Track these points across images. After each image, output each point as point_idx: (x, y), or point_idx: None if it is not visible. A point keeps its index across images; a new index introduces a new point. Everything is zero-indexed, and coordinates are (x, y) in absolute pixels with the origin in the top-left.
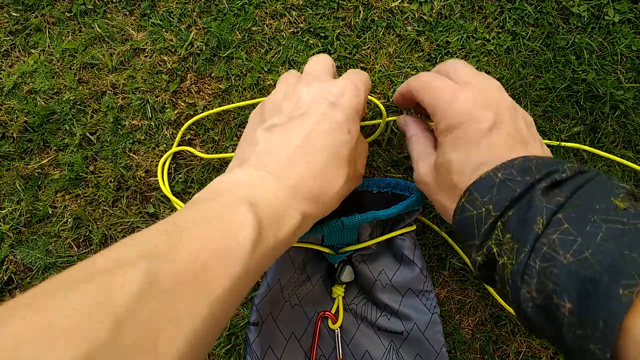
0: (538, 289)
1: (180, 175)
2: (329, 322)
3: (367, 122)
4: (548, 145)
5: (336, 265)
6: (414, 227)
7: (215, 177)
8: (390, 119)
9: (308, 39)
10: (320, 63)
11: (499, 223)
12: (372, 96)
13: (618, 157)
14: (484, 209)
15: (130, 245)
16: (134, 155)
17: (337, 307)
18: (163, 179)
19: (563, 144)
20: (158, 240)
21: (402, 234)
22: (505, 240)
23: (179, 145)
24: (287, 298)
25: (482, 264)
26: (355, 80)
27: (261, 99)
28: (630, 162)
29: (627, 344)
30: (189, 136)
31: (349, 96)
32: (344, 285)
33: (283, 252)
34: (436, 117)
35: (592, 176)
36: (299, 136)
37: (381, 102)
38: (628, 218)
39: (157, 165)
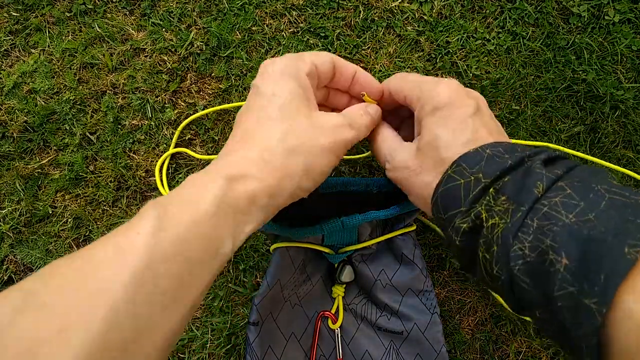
0: (532, 246)
1: (180, 175)
2: (329, 322)
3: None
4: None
5: (336, 265)
6: (414, 227)
7: None
8: None
9: (308, 39)
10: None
11: (491, 190)
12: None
13: (617, 157)
14: (472, 178)
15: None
16: (134, 155)
17: (337, 307)
18: (162, 181)
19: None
20: (60, 260)
21: (402, 234)
22: (499, 203)
23: (177, 145)
24: (287, 298)
25: (467, 230)
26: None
27: None
28: (630, 162)
29: (617, 318)
30: (189, 136)
31: (267, 68)
32: (344, 285)
33: (239, 221)
34: (420, 102)
35: (582, 163)
36: (236, 128)
37: None
38: (629, 193)
39: (157, 165)
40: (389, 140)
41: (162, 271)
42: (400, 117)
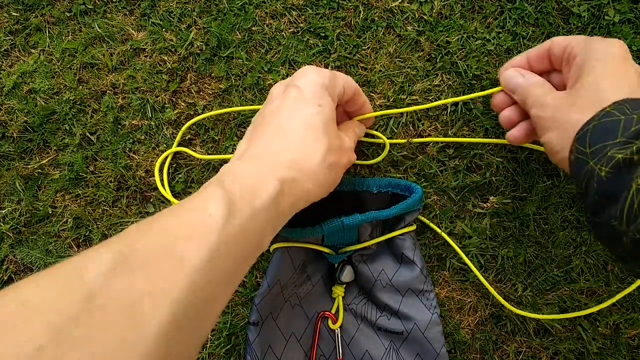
0: None
1: (180, 175)
2: (329, 322)
3: (368, 140)
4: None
5: (336, 265)
6: (414, 227)
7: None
8: (393, 141)
9: (308, 39)
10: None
11: None
12: (375, 131)
13: None
14: (635, 116)
15: (110, 237)
16: (134, 155)
17: (337, 307)
18: (162, 181)
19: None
20: (132, 228)
21: (402, 234)
22: None
23: (178, 145)
24: (287, 298)
25: (620, 162)
26: (319, 68)
27: (258, 106)
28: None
29: None
30: (189, 136)
31: (311, 76)
32: (344, 285)
33: (277, 221)
34: (587, 48)
35: None
36: (272, 123)
37: (381, 102)
38: None
39: (159, 166)
40: (540, 82)
41: (228, 253)
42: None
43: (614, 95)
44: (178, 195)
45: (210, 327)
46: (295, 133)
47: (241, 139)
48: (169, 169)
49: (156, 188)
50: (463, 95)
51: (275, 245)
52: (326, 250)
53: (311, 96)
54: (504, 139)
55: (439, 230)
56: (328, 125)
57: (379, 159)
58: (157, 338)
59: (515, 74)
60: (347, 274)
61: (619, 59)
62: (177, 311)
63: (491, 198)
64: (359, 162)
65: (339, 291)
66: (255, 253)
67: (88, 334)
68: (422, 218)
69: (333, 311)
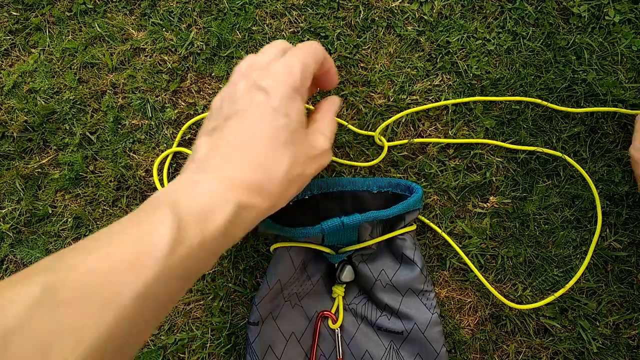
0: None
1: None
2: (329, 321)
3: (361, 132)
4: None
5: (336, 265)
6: (414, 227)
7: None
8: (393, 143)
9: (308, 39)
10: (269, 51)
11: None
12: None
13: (617, 157)
14: None
15: (42, 260)
16: (134, 155)
17: (337, 306)
18: (161, 180)
19: (414, 140)
20: (68, 252)
21: (402, 234)
22: None
23: (178, 144)
24: (287, 298)
25: None
26: (291, 58)
27: None
28: (630, 162)
29: None
30: (189, 135)
31: (282, 77)
32: (344, 285)
33: (226, 246)
34: None
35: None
36: (234, 133)
37: (381, 101)
38: None
39: (159, 165)
40: None
41: (166, 285)
42: None
43: None
44: None
45: (137, 353)
46: (258, 150)
47: None
48: (169, 169)
49: (156, 188)
50: (463, 95)
51: (275, 245)
52: (326, 250)
53: (279, 103)
54: (504, 139)
55: (439, 230)
56: (295, 134)
57: (378, 160)
58: None
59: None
60: (347, 274)
61: None
62: (100, 347)
63: (491, 198)
64: (358, 163)
65: (339, 291)
66: (194, 280)
67: None
68: (422, 218)
69: (333, 311)
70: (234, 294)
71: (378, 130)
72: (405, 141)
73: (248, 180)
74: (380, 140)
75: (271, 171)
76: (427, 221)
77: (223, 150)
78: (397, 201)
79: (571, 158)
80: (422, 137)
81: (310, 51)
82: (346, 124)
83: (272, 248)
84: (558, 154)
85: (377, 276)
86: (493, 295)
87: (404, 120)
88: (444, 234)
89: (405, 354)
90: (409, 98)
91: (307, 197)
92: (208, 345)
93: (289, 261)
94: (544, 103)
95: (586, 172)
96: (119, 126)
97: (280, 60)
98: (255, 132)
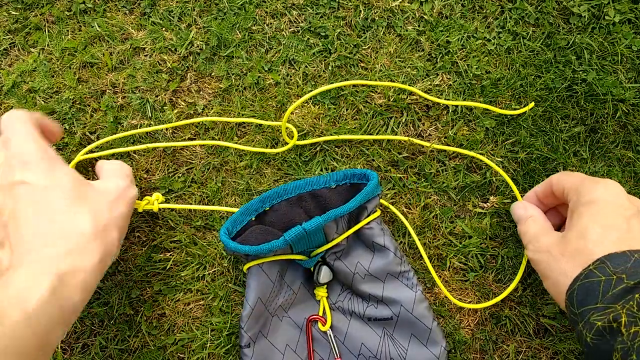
0: None
1: (180, 175)
2: (319, 324)
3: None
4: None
5: (312, 268)
6: (378, 213)
7: (215, 177)
8: (416, 141)
9: (308, 39)
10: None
11: (637, 295)
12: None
13: (617, 157)
14: (614, 277)
15: None
16: (134, 155)
17: (324, 308)
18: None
19: (434, 146)
20: None
21: (368, 223)
22: None
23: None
24: (274, 312)
25: (600, 329)
26: (15, 140)
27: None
28: (631, 162)
29: None
30: (189, 135)
31: (28, 158)
32: (325, 286)
33: (66, 311)
34: (578, 193)
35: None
36: (23, 225)
37: (381, 101)
38: None
39: (158, 165)
40: (539, 222)
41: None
42: (548, 208)
43: (599, 247)
44: (177, 194)
45: None
46: (53, 225)
47: (241, 138)
48: (168, 168)
49: (156, 188)
50: (463, 95)
51: (247, 265)
52: (298, 257)
53: (43, 180)
54: (504, 139)
55: (400, 216)
56: (80, 190)
57: (285, 148)
58: None
59: (519, 205)
60: (324, 275)
61: (607, 204)
62: None
63: (491, 198)
64: (267, 150)
65: (321, 293)
66: (41, 350)
67: None
68: (384, 202)
69: (320, 313)
70: (234, 294)
71: (284, 118)
72: (427, 144)
73: (59, 251)
74: (288, 129)
75: (76, 234)
76: (388, 204)
77: (25, 247)
78: (358, 191)
79: (571, 158)
80: (422, 137)
81: (19, 124)
82: (256, 121)
83: (244, 268)
84: (404, 138)
85: (354, 269)
86: (493, 295)
87: (404, 120)
88: (403, 219)
89: (400, 337)
90: (409, 98)
91: (267, 208)
92: (208, 345)
93: (263, 276)
94: (491, 108)
95: (586, 172)
96: (119, 126)
97: (9, 151)
98: (41, 215)
